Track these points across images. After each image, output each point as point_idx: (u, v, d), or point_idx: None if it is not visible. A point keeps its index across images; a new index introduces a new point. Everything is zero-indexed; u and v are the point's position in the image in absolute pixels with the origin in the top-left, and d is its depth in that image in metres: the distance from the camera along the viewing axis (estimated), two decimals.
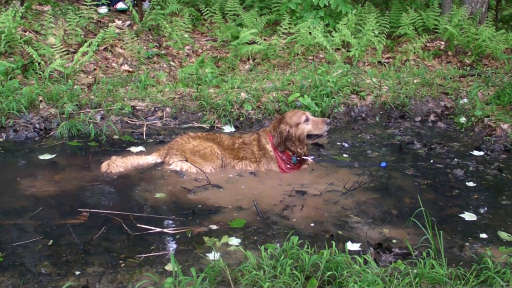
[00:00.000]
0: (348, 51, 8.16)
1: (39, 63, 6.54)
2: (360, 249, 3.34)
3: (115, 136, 5.49)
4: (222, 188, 4.34)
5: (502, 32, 8.69)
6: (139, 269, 3.06)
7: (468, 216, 3.96)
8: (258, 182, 4.52)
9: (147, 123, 5.82)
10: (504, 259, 3.17)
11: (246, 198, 4.13)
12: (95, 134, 5.44)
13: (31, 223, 3.62)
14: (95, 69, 6.99)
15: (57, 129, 5.43)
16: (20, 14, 7.05)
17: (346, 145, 5.51)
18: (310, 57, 8.04)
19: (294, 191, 4.32)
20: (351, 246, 3.37)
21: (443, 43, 8.83)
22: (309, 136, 4.72)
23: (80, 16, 7.71)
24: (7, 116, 5.52)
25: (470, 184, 4.58)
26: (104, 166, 4.56)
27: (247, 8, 9.17)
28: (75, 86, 6.31)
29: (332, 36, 8.16)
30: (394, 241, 3.53)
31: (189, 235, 3.52)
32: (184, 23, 8.15)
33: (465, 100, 6.67)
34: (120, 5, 8.49)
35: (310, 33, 7.96)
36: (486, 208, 4.19)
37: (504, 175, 4.82)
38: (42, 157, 4.88)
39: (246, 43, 7.77)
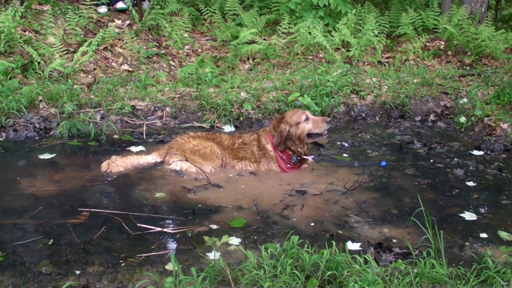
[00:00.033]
0: (348, 50, 8.16)
1: (38, 63, 6.54)
2: (360, 248, 3.34)
3: (115, 136, 5.49)
4: (222, 188, 4.34)
5: (501, 32, 8.70)
6: (139, 269, 3.06)
7: (468, 215, 3.97)
8: (258, 182, 4.52)
9: (147, 122, 5.82)
10: (504, 259, 3.18)
11: (246, 198, 4.13)
12: (95, 133, 5.44)
13: (31, 222, 3.61)
14: (95, 69, 6.99)
15: (57, 129, 5.43)
16: (20, 14, 7.04)
17: (346, 144, 5.51)
18: (310, 57, 8.05)
19: (294, 190, 4.32)
20: (352, 245, 3.37)
21: (442, 42, 8.84)
22: (310, 135, 4.72)
23: (80, 16, 7.71)
24: (7, 115, 5.52)
25: (470, 183, 4.58)
26: (104, 166, 4.56)
27: (246, 7, 9.17)
28: (75, 86, 6.31)
29: (332, 36, 8.16)
30: (394, 240, 3.53)
31: (189, 235, 3.51)
32: (183, 22, 8.15)
33: (465, 99, 6.67)
34: (119, 5, 8.49)
35: (309, 32, 7.96)
36: (486, 208, 4.19)
37: (504, 174, 4.82)
38: (42, 156, 4.88)
39: (246, 42, 7.77)
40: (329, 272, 2.87)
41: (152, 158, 4.77)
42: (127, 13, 8.54)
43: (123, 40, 7.57)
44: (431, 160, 5.10)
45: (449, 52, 8.68)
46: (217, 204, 4.01)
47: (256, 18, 8.54)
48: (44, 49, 6.68)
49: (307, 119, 4.68)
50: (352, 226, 3.74)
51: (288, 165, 4.72)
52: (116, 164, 4.56)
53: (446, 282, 2.89)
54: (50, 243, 3.34)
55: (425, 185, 4.53)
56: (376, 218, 3.89)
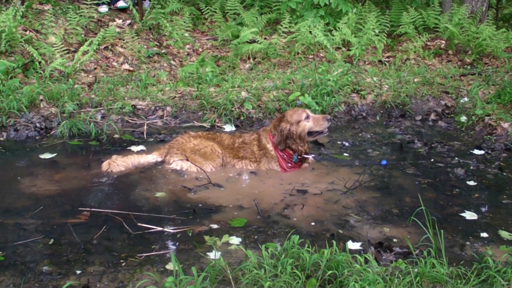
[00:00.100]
0: (349, 50, 8.16)
1: (39, 62, 6.54)
2: (360, 248, 3.34)
3: (116, 135, 5.49)
4: (223, 187, 4.34)
5: (502, 31, 8.68)
6: (139, 268, 3.06)
7: (469, 215, 3.96)
8: (258, 181, 4.52)
9: (147, 122, 5.82)
10: (505, 258, 3.18)
11: (246, 197, 4.13)
12: (95, 133, 5.44)
13: (31, 222, 3.62)
14: (95, 68, 6.99)
15: (58, 128, 5.43)
16: (21, 13, 7.04)
17: (346, 144, 5.51)
18: (311, 56, 8.04)
19: (295, 190, 4.32)
20: (352, 245, 3.37)
21: (443, 42, 8.82)
22: (310, 133, 4.73)
23: (81, 15, 7.71)
24: (7, 115, 5.52)
25: (471, 183, 4.58)
26: (104, 165, 4.56)
27: (247, 7, 9.16)
28: (76, 85, 6.31)
29: (333, 35, 8.15)
30: (394, 240, 3.53)
31: (190, 234, 3.52)
32: (184, 22, 8.15)
33: (466, 99, 6.66)
34: (120, 4, 8.49)
35: (310, 32, 7.96)
36: (486, 207, 4.19)
37: (504, 174, 4.82)
38: (42, 156, 4.88)
39: (247, 42, 7.76)
40: (329, 272, 2.87)
41: (152, 157, 4.77)
42: (128, 12, 8.54)
43: (123, 40, 7.57)
44: (432, 160, 5.09)
45: (450, 51, 8.67)
46: (218, 204, 4.01)
47: (256, 18, 8.54)
48: (45, 48, 6.69)
49: (307, 117, 4.69)
50: (352, 226, 3.74)
51: (289, 165, 4.72)
52: (117, 164, 4.56)
53: (447, 282, 2.90)
54: (50, 242, 3.35)
55: (425, 184, 4.52)
56: (376, 217, 3.89)
